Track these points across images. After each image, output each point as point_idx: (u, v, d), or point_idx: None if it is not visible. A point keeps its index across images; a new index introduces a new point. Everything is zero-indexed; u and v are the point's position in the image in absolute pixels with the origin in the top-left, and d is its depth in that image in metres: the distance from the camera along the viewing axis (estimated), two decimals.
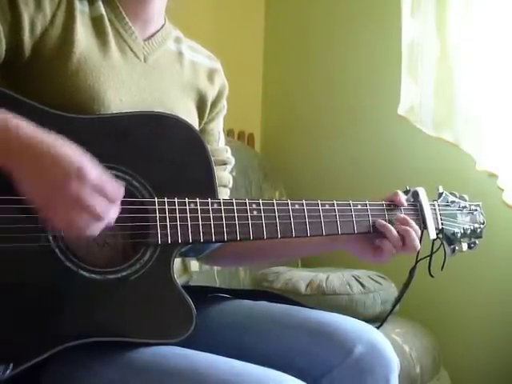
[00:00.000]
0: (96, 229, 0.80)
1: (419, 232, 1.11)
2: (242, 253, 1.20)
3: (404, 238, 1.08)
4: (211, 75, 1.16)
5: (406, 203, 1.13)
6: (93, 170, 0.78)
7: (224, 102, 1.20)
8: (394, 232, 1.08)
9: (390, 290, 1.90)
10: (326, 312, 1.03)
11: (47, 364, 0.86)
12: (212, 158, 0.98)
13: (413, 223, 1.10)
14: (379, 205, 1.11)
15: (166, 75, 1.07)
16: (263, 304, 1.09)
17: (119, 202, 0.81)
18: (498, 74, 1.93)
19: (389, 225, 1.09)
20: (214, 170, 0.98)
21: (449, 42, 2.00)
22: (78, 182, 0.76)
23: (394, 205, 1.12)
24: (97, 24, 0.99)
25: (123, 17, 1.02)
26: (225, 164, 1.19)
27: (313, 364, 0.96)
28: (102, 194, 0.78)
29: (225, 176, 1.18)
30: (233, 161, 1.22)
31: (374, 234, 1.09)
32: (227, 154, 1.20)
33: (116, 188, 0.80)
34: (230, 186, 1.21)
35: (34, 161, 0.77)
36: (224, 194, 1.18)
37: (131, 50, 1.02)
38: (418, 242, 1.09)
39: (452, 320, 2.13)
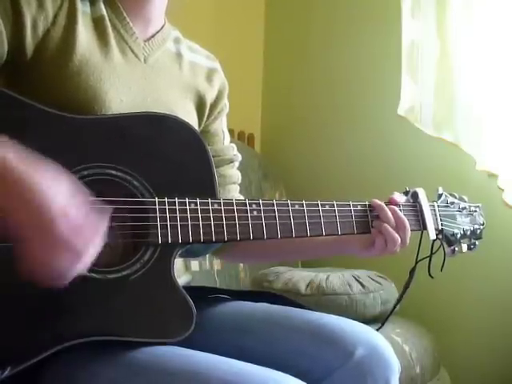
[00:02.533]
0: (75, 270, 0.77)
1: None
2: (256, 248, 1.20)
3: (397, 223, 1.08)
4: (210, 76, 1.16)
5: (402, 201, 1.13)
6: (75, 210, 0.75)
7: (225, 101, 1.20)
8: (389, 213, 1.08)
9: (390, 290, 1.90)
10: (327, 314, 1.03)
11: (47, 364, 0.86)
12: (212, 158, 0.98)
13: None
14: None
15: (166, 76, 1.07)
16: (264, 306, 1.09)
17: (101, 239, 0.78)
18: (498, 73, 1.93)
19: (383, 204, 1.09)
20: (215, 169, 0.98)
21: (449, 42, 2.00)
22: (61, 222, 0.74)
23: (390, 204, 1.12)
24: (98, 25, 1.00)
25: (124, 17, 1.03)
26: (232, 162, 1.20)
27: (313, 366, 0.96)
28: (83, 234, 0.76)
29: (234, 174, 1.20)
30: (239, 157, 1.23)
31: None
32: (234, 152, 1.21)
33: (98, 225, 0.78)
34: (239, 181, 1.22)
35: (15, 194, 0.73)
36: (234, 190, 1.20)
37: (132, 50, 1.03)
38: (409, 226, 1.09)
39: (452, 320, 2.13)
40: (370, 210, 1.09)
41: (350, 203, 1.08)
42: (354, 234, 1.08)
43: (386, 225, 1.08)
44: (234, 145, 1.22)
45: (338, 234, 1.06)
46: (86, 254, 0.77)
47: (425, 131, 2.07)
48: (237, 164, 1.22)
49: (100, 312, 0.86)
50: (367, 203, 1.10)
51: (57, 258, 0.75)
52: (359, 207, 1.09)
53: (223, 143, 1.20)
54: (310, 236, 1.03)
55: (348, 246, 1.14)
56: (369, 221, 1.09)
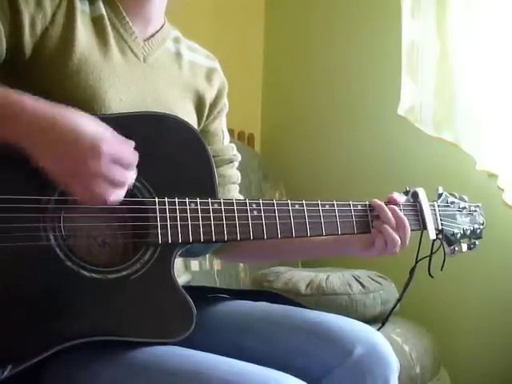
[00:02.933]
0: (118, 195, 0.84)
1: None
2: (256, 248, 1.20)
3: (397, 222, 1.09)
4: (210, 75, 1.16)
5: (402, 200, 1.13)
6: (105, 144, 0.81)
7: (225, 100, 1.20)
8: (389, 213, 1.08)
9: (390, 290, 1.90)
10: (326, 313, 1.03)
11: (47, 364, 0.86)
12: (212, 158, 0.98)
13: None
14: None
15: (165, 75, 1.07)
16: (263, 305, 1.09)
17: (136, 165, 0.85)
18: (498, 73, 1.93)
19: (383, 204, 1.10)
20: (215, 169, 0.98)
21: (449, 42, 2.00)
22: (93, 159, 0.80)
23: (389, 203, 1.12)
24: (97, 24, 0.99)
25: (123, 16, 1.03)
26: (232, 162, 1.20)
27: (312, 365, 0.96)
28: (118, 163, 0.82)
29: (233, 173, 1.20)
30: (239, 157, 1.23)
31: None
32: (233, 152, 1.21)
33: (131, 153, 0.85)
34: (239, 181, 1.22)
35: (47, 135, 0.80)
36: (234, 190, 1.19)
37: (131, 50, 1.03)
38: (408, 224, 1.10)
39: (452, 320, 2.13)
40: (371, 210, 1.09)
41: (350, 203, 1.08)
42: (354, 234, 1.08)
43: (385, 225, 1.07)
44: (233, 145, 1.22)
45: (338, 234, 1.06)
46: (125, 181, 0.84)
47: (425, 131, 2.07)
48: (236, 164, 1.22)
49: (100, 312, 0.86)
50: (367, 203, 1.10)
51: (98, 188, 0.81)
52: (359, 207, 1.09)
53: (223, 143, 1.20)
54: (311, 236, 1.03)
55: (348, 246, 1.13)
56: (369, 221, 1.09)
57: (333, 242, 1.14)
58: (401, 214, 1.09)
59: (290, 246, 1.18)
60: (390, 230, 1.07)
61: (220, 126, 1.20)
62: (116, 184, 0.82)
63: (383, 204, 1.10)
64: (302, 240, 1.11)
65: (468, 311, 2.11)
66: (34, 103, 0.81)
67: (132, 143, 0.86)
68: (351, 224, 1.07)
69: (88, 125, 0.82)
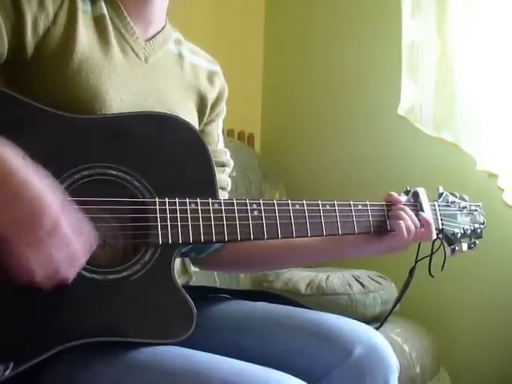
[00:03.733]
0: (73, 272, 0.79)
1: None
2: (243, 258, 1.19)
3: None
4: (211, 77, 1.16)
5: (403, 200, 1.14)
6: (66, 220, 0.77)
7: (223, 105, 1.20)
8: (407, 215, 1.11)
9: (390, 290, 1.90)
10: (326, 313, 1.03)
11: (47, 364, 0.86)
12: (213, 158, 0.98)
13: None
14: (380, 205, 1.12)
15: (167, 76, 1.07)
16: (263, 305, 1.09)
17: (94, 248, 0.81)
18: (498, 73, 1.93)
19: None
20: (215, 169, 0.98)
21: (449, 42, 2.00)
22: (63, 219, 0.76)
23: (393, 205, 1.13)
24: (99, 23, 1.00)
25: (125, 16, 1.03)
26: (223, 166, 1.18)
27: (312, 365, 0.96)
28: (82, 237, 0.79)
29: (223, 179, 1.17)
30: (232, 163, 1.21)
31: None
32: (226, 157, 1.20)
33: (91, 235, 0.80)
34: (229, 189, 1.20)
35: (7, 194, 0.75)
36: (221, 197, 1.17)
37: (132, 50, 1.03)
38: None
39: (452, 320, 2.13)
40: (371, 210, 1.09)
41: (351, 203, 1.08)
42: (354, 234, 1.08)
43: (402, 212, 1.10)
44: (227, 150, 1.21)
45: (338, 234, 1.06)
46: (83, 255, 0.79)
47: (425, 131, 2.07)
48: (228, 170, 1.20)
49: (101, 313, 0.86)
50: (368, 202, 1.10)
51: (59, 253, 0.76)
52: (360, 207, 1.09)
53: (216, 145, 1.19)
54: (311, 236, 1.03)
55: (349, 247, 1.13)
56: (369, 220, 1.09)
57: (333, 244, 1.13)
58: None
59: (288, 252, 1.17)
60: (408, 216, 1.10)
61: (216, 129, 1.19)
62: (73, 257, 0.78)
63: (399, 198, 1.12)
64: (302, 245, 1.11)
65: (468, 311, 2.11)
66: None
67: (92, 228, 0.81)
68: (352, 224, 1.07)
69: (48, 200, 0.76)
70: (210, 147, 1.13)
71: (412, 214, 1.12)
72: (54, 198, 0.76)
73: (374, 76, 2.32)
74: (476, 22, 1.95)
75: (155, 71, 1.05)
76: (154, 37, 1.07)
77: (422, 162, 2.15)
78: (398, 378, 0.99)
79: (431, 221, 1.13)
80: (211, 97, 1.15)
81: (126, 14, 1.03)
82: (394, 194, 1.14)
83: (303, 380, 0.86)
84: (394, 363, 0.98)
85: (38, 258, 0.75)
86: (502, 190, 1.92)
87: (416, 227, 1.11)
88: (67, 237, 0.77)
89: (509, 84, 1.93)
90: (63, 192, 0.80)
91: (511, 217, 1.95)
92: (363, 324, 1.02)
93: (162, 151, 0.93)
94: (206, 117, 1.15)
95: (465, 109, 1.98)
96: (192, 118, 1.09)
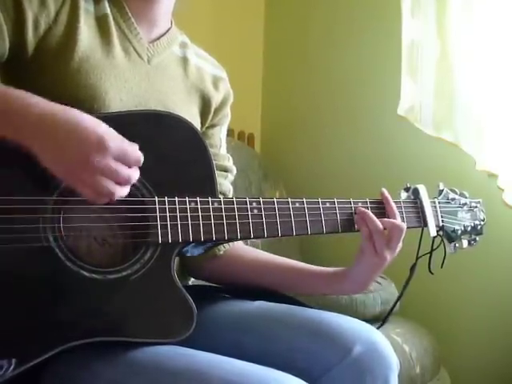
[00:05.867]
0: (122, 192, 0.83)
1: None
2: (237, 271, 1.15)
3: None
4: (216, 82, 1.15)
5: (403, 197, 1.14)
6: (111, 140, 0.81)
7: (228, 111, 1.19)
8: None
9: (390, 290, 1.90)
10: (326, 312, 1.03)
11: (48, 364, 0.86)
12: (213, 159, 0.98)
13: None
14: (378, 202, 1.11)
15: (170, 78, 1.06)
16: (263, 303, 1.08)
17: (140, 164, 0.85)
18: (498, 73, 1.93)
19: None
20: (215, 169, 0.98)
21: (449, 41, 2.00)
22: (99, 154, 0.79)
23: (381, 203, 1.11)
24: (101, 23, 0.99)
25: (129, 17, 1.02)
26: (226, 171, 1.17)
27: (312, 363, 0.95)
28: (123, 162, 0.82)
29: (224, 183, 1.15)
30: (234, 170, 1.19)
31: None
32: (229, 163, 1.18)
33: (135, 153, 0.84)
34: (230, 195, 1.17)
35: (52, 135, 0.80)
36: None
37: (135, 50, 1.02)
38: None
39: (452, 320, 2.13)
40: (372, 208, 1.09)
41: (351, 201, 1.08)
42: (353, 232, 1.07)
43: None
44: (230, 156, 1.20)
45: (338, 232, 1.05)
46: (130, 179, 0.83)
47: (425, 131, 2.07)
48: (230, 176, 1.18)
49: (101, 312, 0.86)
50: (368, 200, 1.10)
51: (102, 185, 0.80)
52: (360, 204, 1.08)
53: (219, 150, 1.18)
54: (311, 234, 1.03)
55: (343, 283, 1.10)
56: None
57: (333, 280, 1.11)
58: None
59: (283, 275, 1.13)
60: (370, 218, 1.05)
61: (219, 134, 1.18)
62: (120, 182, 0.82)
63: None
64: (300, 272, 1.11)
65: (468, 311, 2.11)
66: (38, 102, 0.81)
67: (136, 145, 0.85)
68: (351, 222, 1.07)
69: (92, 123, 0.82)
70: (212, 150, 1.13)
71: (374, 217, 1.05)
72: (93, 124, 0.82)
73: (373, 76, 2.32)
74: (476, 22, 1.95)
75: (158, 73, 1.04)
76: (158, 38, 1.06)
77: (422, 162, 2.15)
78: (398, 378, 0.99)
79: (397, 222, 1.06)
80: (215, 101, 1.14)
81: (130, 14, 1.02)
82: (384, 192, 1.11)
83: (303, 379, 0.86)
84: (393, 361, 0.97)
85: (90, 174, 0.80)
86: (502, 190, 1.92)
87: (378, 231, 1.04)
88: (110, 159, 0.81)
89: (509, 84, 1.93)
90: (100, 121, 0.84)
91: (511, 217, 1.95)
92: (363, 322, 1.02)
93: (162, 150, 0.93)
94: (208, 120, 1.14)
95: (465, 109, 1.98)
96: (194, 121, 1.07)
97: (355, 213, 1.07)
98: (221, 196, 1.13)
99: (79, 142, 0.80)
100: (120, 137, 0.83)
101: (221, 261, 1.14)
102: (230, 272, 1.15)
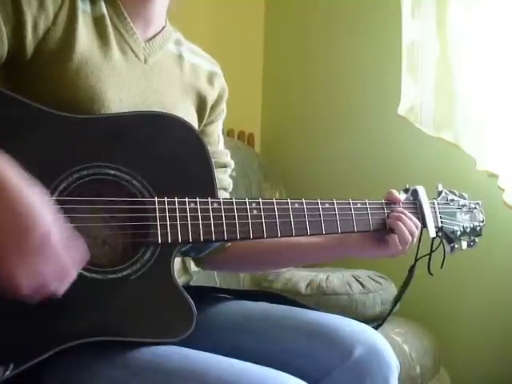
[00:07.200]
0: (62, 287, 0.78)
1: (418, 225, 1.12)
2: (243, 258, 1.20)
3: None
4: (211, 78, 1.16)
5: (402, 198, 1.14)
6: (55, 235, 0.75)
7: (224, 106, 1.20)
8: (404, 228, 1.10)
9: (390, 290, 1.90)
10: (326, 313, 1.03)
11: (47, 364, 0.86)
12: (213, 156, 0.98)
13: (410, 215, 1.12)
14: (379, 203, 1.12)
15: (166, 77, 1.07)
16: (263, 305, 1.08)
17: (84, 263, 0.80)
18: (498, 73, 1.93)
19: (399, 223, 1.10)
20: (214, 168, 0.98)
21: (449, 42, 2.00)
22: (55, 233, 0.74)
23: (392, 203, 1.13)
24: (98, 24, 0.99)
25: (125, 17, 1.02)
26: (225, 167, 1.18)
27: (312, 365, 0.95)
28: (71, 252, 0.77)
29: (225, 179, 1.18)
30: (232, 164, 1.21)
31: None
32: (227, 158, 1.20)
33: (82, 251, 0.78)
34: (230, 189, 1.20)
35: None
36: (223, 198, 1.17)
37: (132, 50, 1.02)
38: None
39: (452, 320, 2.13)
40: (370, 208, 1.09)
41: (350, 201, 1.08)
42: (353, 232, 1.08)
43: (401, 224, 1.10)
44: (228, 151, 1.21)
45: (338, 233, 1.06)
46: (72, 270, 0.77)
47: (425, 131, 2.07)
48: (229, 171, 1.20)
49: (101, 312, 0.86)
50: (367, 201, 1.10)
51: (47, 268, 0.74)
52: (359, 205, 1.09)
53: (217, 146, 1.19)
54: (311, 235, 1.03)
55: (349, 246, 1.14)
56: (369, 219, 1.09)
57: (335, 243, 1.14)
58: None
59: (288, 252, 1.17)
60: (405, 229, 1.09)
61: (216, 130, 1.19)
62: (63, 275, 0.77)
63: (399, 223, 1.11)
64: (302, 244, 1.11)
65: (468, 311, 2.11)
66: None
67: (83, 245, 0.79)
68: (351, 222, 1.07)
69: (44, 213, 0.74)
70: (210, 148, 1.14)
71: (411, 215, 1.11)
72: (44, 212, 0.74)
73: (374, 76, 2.32)
74: (476, 22, 1.95)
75: (154, 72, 1.05)
76: (153, 37, 1.07)
77: (422, 162, 2.16)
78: (398, 378, 0.99)
79: (418, 224, 1.12)
80: (211, 98, 1.15)
81: (125, 14, 1.03)
82: (395, 193, 1.14)
83: (303, 380, 0.86)
84: (394, 363, 0.97)
85: (25, 272, 0.73)
86: (502, 190, 1.92)
87: (417, 228, 1.11)
88: (56, 252, 0.74)
89: (509, 84, 1.93)
90: (55, 206, 0.78)
91: (511, 217, 1.95)
92: (363, 324, 1.01)
93: (161, 150, 0.93)
94: (205, 118, 1.15)
95: (465, 109, 1.98)
96: (191, 119, 1.08)
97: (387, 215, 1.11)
98: (222, 191, 1.15)
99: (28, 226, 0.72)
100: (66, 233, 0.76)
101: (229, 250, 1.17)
102: (241, 258, 1.18)
